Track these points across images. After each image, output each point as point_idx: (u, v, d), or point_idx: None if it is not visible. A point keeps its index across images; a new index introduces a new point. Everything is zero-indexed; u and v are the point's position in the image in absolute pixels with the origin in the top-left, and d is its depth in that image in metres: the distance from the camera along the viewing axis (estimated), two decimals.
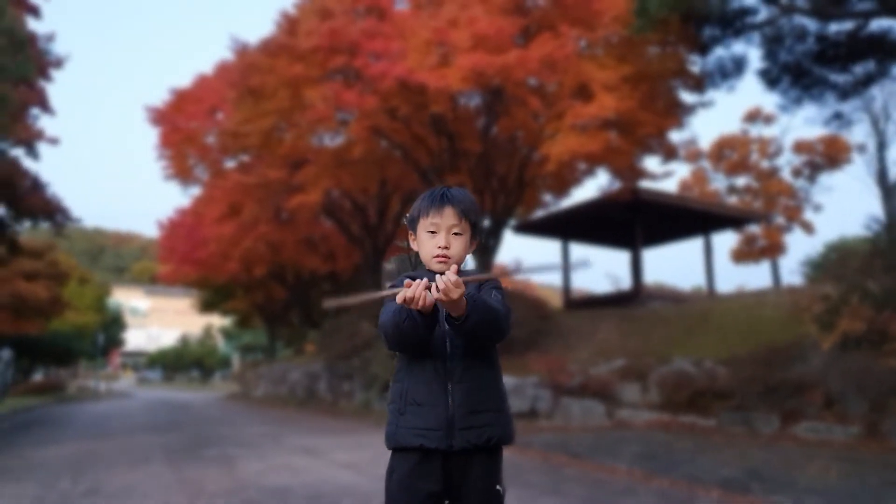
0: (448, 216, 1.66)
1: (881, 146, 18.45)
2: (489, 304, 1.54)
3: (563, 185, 17.46)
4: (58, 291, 22.65)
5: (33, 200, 17.80)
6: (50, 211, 18.47)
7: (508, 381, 8.93)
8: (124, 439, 9.68)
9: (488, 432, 1.58)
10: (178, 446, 8.58)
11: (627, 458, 6.29)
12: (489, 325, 1.54)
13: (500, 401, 1.64)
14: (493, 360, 1.67)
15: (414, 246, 1.75)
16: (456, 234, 1.66)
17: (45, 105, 17.53)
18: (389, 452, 1.64)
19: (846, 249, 15.95)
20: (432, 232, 1.67)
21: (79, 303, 32.36)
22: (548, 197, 18.71)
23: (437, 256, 1.65)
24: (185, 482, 5.79)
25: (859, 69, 13.04)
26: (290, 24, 14.83)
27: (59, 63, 17.58)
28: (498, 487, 1.62)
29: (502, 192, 15.62)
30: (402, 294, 1.46)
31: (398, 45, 12.82)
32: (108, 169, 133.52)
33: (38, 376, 34.75)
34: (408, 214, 1.76)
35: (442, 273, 1.48)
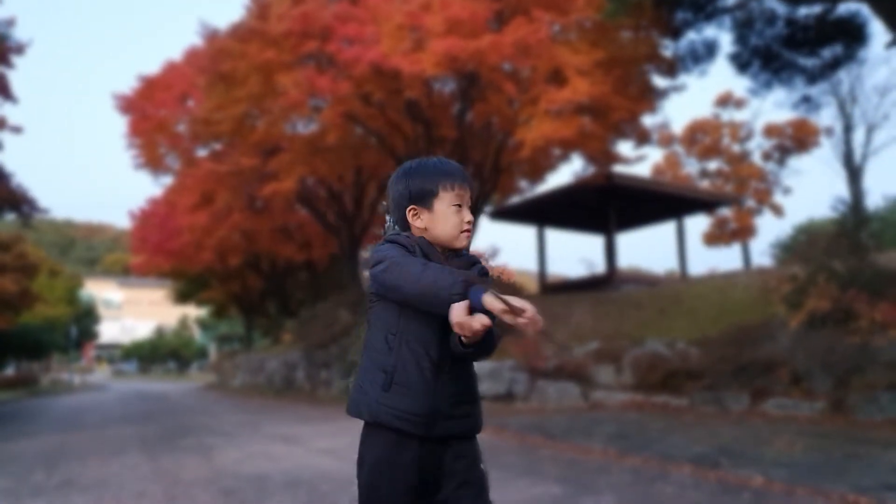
0: (468, 190, 1.56)
1: (847, 129, 18.89)
2: (497, 338, 1.49)
3: (539, 170, 17.56)
4: (27, 284, 22.13)
5: None
6: (15, 201, 17.98)
7: (485, 365, 9.01)
8: (99, 431, 9.55)
9: (470, 423, 1.54)
10: (154, 437, 8.49)
11: (602, 438, 6.41)
12: (487, 354, 1.51)
13: (478, 392, 1.61)
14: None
15: (418, 223, 1.54)
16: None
17: (6, 92, 17.00)
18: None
19: (814, 231, 16.36)
20: (458, 205, 1.53)
21: (49, 295, 31.68)
22: (523, 183, 18.82)
23: (466, 231, 1.54)
24: (162, 472, 5.75)
25: (827, 53, 13.28)
26: (260, 9, 14.57)
27: (20, 49, 17.01)
28: (482, 466, 1.57)
29: (478, 178, 15.62)
30: (508, 308, 1.29)
31: (371, 29, 12.68)
32: (77, 159, 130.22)
33: (9, 370, 34.06)
34: (408, 189, 1.54)
35: (466, 248, 1.55)
